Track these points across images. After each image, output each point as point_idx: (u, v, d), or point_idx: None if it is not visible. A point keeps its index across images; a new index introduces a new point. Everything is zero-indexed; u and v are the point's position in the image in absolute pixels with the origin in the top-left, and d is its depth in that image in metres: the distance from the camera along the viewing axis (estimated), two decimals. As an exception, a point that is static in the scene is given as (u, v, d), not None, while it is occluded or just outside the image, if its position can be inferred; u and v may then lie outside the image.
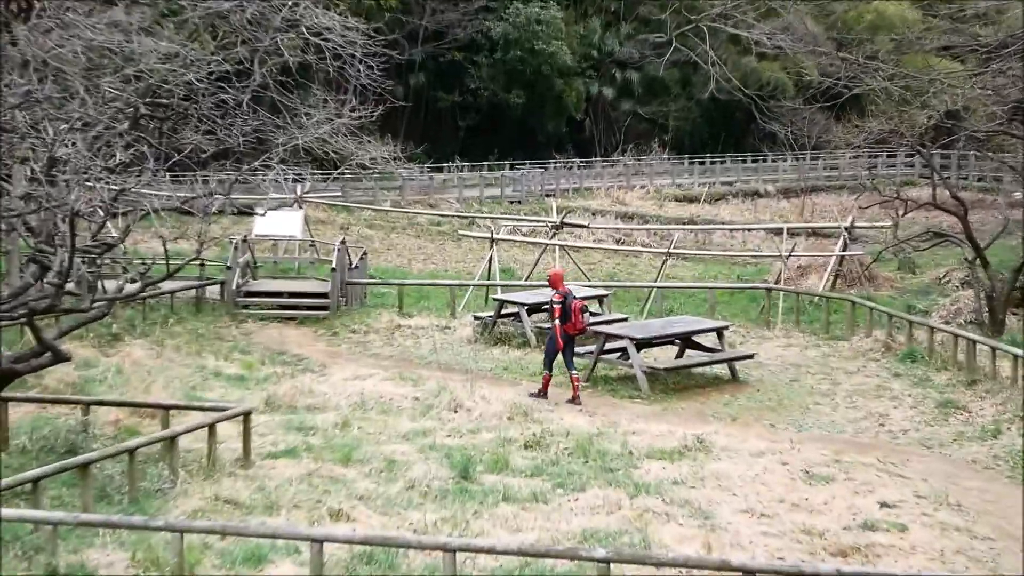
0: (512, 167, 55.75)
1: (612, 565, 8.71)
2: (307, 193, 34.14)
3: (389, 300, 25.65)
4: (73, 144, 12.44)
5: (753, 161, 59.74)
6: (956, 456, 14.28)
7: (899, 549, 10.72)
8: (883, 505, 11.95)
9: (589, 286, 23.91)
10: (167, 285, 18.65)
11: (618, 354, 17.92)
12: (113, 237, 15.22)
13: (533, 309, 20.91)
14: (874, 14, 55.74)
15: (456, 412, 15.64)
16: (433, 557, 9.84)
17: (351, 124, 25.58)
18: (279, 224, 27.08)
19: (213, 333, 21.20)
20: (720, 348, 18.88)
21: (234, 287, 23.39)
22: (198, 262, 21.05)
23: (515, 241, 33.65)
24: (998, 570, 10.38)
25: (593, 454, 13.65)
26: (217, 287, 23.90)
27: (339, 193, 44.14)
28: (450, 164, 55.08)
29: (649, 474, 12.91)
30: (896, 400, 17.00)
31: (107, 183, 12.98)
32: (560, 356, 16.75)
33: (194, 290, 23.53)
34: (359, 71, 24.52)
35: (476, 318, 22.06)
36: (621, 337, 17.86)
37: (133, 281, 13.50)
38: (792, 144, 53.05)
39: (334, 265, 23.93)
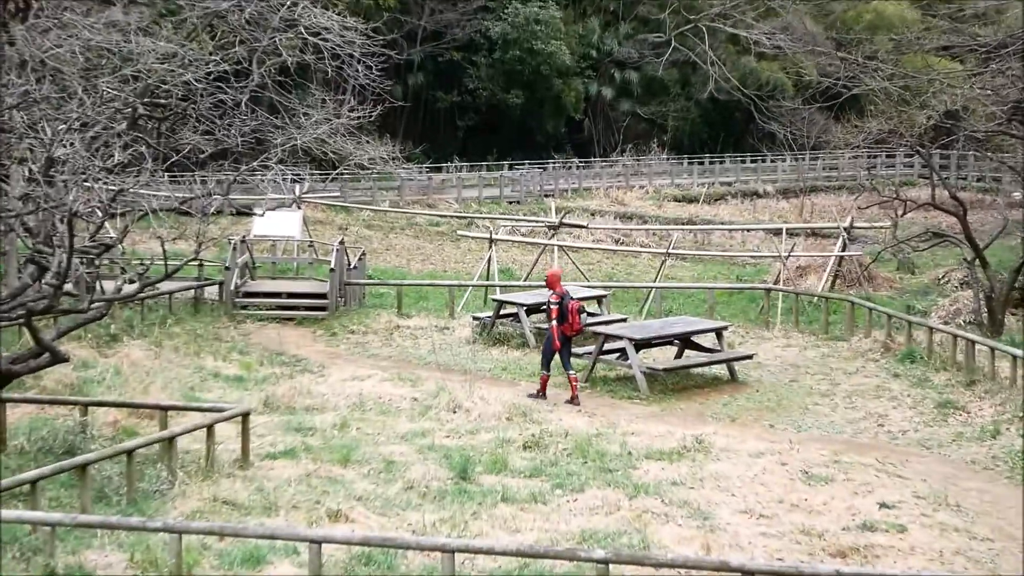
0: (511, 167, 55.72)
1: (611, 566, 8.70)
2: (306, 193, 34.11)
3: (388, 300, 25.64)
4: (71, 144, 12.42)
5: (752, 161, 59.69)
6: (955, 457, 14.27)
7: (898, 550, 10.70)
8: (882, 506, 11.94)
9: (588, 286, 23.92)
10: (165, 286, 18.62)
11: (617, 355, 17.90)
12: (111, 238, 15.18)
13: (532, 309, 20.90)
14: (873, 14, 55.85)
15: (455, 413, 15.64)
16: (432, 558, 9.84)
17: (350, 124, 25.62)
18: (278, 224, 27.01)
19: (212, 334, 21.17)
20: (719, 349, 18.88)
21: (232, 288, 23.35)
22: (196, 263, 21.09)
23: (514, 241, 33.65)
24: (997, 571, 10.37)
25: (592, 455, 13.63)
26: (216, 288, 23.85)
27: (338, 193, 44.14)
28: (449, 164, 55.06)
29: (648, 475, 12.90)
30: (895, 400, 16.99)
31: (105, 183, 12.95)
32: (557, 356, 16.75)
33: (192, 291, 23.51)
34: (358, 71, 24.55)
35: (475, 319, 22.05)
36: (620, 337, 17.85)
37: (131, 282, 13.47)
38: (791, 144, 53.17)
39: (333, 265, 23.87)
